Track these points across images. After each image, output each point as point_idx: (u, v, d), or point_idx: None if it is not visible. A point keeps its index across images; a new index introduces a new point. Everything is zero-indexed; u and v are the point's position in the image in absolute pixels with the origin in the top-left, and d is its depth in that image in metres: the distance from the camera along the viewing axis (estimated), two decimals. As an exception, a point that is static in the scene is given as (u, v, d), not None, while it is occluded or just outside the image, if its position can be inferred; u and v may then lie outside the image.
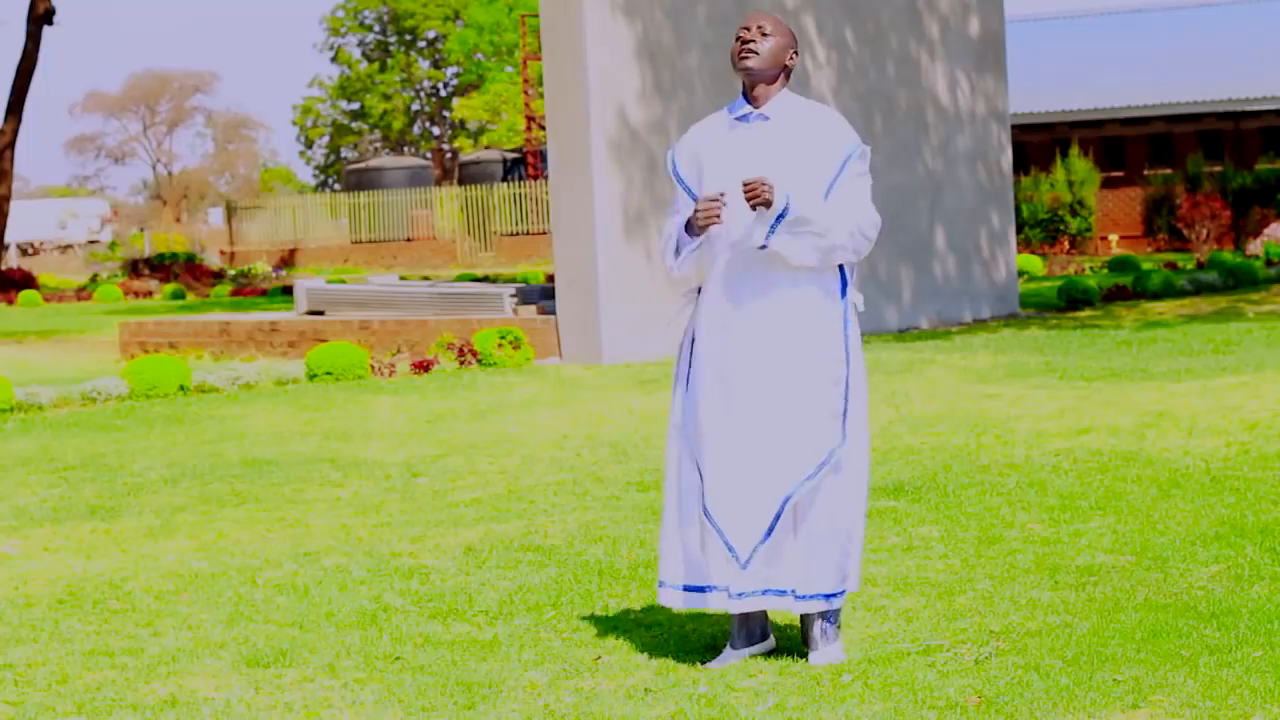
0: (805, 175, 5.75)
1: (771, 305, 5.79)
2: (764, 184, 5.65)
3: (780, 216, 5.69)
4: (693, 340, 5.93)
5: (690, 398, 5.87)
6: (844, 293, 5.88)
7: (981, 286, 21.71)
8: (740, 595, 5.80)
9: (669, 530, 5.94)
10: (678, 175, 5.98)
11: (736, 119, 5.89)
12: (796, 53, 5.92)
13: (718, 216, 5.75)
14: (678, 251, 5.90)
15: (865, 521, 5.98)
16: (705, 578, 5.86)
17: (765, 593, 5.79)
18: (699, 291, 5.94)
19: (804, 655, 5.88)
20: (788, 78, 5.94)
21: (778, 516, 5.76)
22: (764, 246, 5.72)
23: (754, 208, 5.68)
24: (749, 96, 5.90)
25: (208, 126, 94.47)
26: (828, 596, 5.82)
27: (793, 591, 5.80)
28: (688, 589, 5.90)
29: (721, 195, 5.76)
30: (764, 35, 5.85)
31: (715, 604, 5.85)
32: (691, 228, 5.85)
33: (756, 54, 5.83)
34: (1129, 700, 5.26)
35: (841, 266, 5.87)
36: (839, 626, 5.90)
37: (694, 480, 5.85)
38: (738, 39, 5.89)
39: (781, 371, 5.77)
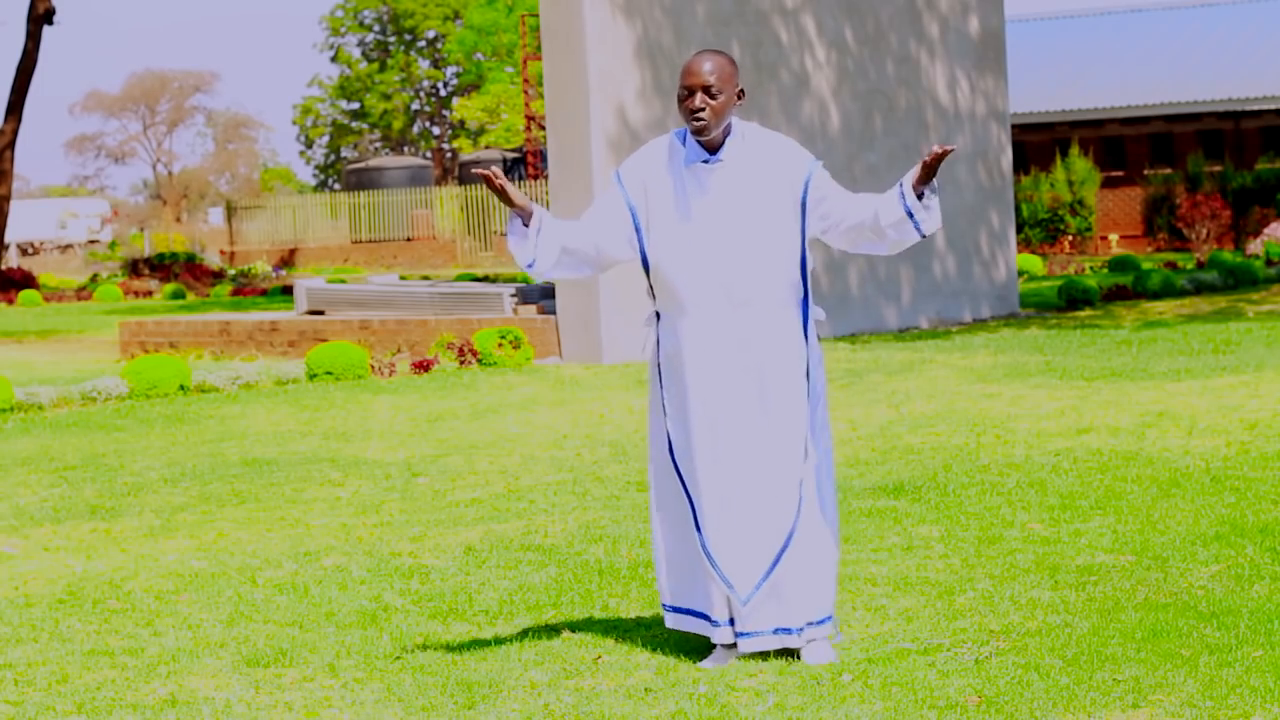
0: (770, 207, 5.78)
1: (746, 334, 5.80)
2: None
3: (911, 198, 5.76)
4: (660, 370, 5.92)
5: (681, 430, 5.87)
6: (805, 307, 5.89)
7: (981, 286, 21.70)
8: (746, 635, 5.81)
9: (663, 555, 5.97)
10: (625, 193, 5.91)
11: (701, 162, 5.85)
12: (742, 91, 5.86)
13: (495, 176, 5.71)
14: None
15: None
16: (703, 606, 5.88)
17: (776, 631, 5.81)
18: (657, 316, 5.95)
19: (797, 654, 5.89)
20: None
21: (781, 552, 5.78)
22: (921, 232, 5.80)
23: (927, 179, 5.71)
24: (700, 139, 5.86)
25: (208, 126, 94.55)
26: (827, 619, 5.88)
27: (804, 625, 5.82)
28: (678, 610, 5.95)
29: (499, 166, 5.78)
30: (711, 98, 5.76)
31: (719, 638, 5.86)
32: (522, 219, 5.82)
33: (707, 123, 5.78)
34: (1129, 700, 5.26)
35: (805, 280, 5.87)
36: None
37: (685, 510, 5.88)
38: (685, 106, 5.78)
39: (760, 401, 5.81)
